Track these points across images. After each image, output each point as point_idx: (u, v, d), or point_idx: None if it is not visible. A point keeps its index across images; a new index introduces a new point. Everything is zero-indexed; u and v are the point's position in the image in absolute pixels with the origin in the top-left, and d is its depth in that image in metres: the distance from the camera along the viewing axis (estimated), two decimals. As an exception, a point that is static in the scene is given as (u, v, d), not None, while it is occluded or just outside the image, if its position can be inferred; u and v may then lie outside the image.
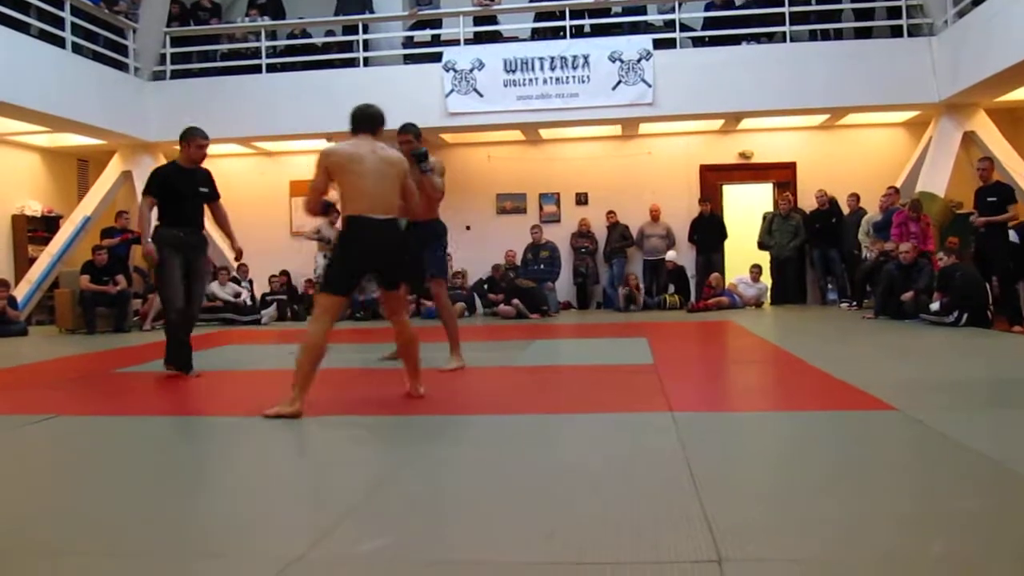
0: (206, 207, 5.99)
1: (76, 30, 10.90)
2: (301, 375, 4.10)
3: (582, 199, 13.19)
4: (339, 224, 4.33)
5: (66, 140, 12.40)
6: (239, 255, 6.27)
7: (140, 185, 12.33)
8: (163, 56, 12.45)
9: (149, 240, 5.70)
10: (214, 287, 11.74)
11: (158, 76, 12.45)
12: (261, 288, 12.69)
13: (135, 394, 5.44)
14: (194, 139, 5.89)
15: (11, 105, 9.76)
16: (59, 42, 10.58)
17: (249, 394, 5.22)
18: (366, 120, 4.53)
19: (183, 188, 5.76)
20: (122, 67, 11.86)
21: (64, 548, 2.35)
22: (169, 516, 2.61)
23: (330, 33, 13.10)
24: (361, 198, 4.23)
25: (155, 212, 5.80)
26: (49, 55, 10.35)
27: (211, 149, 15.24)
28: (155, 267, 5.82)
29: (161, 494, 2.89)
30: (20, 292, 11.30)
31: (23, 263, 11.99)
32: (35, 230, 12.44)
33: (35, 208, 12.58)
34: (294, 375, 4.09)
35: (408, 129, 5.84)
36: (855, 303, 10.70)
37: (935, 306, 8.35)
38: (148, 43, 12.29)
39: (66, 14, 10.65)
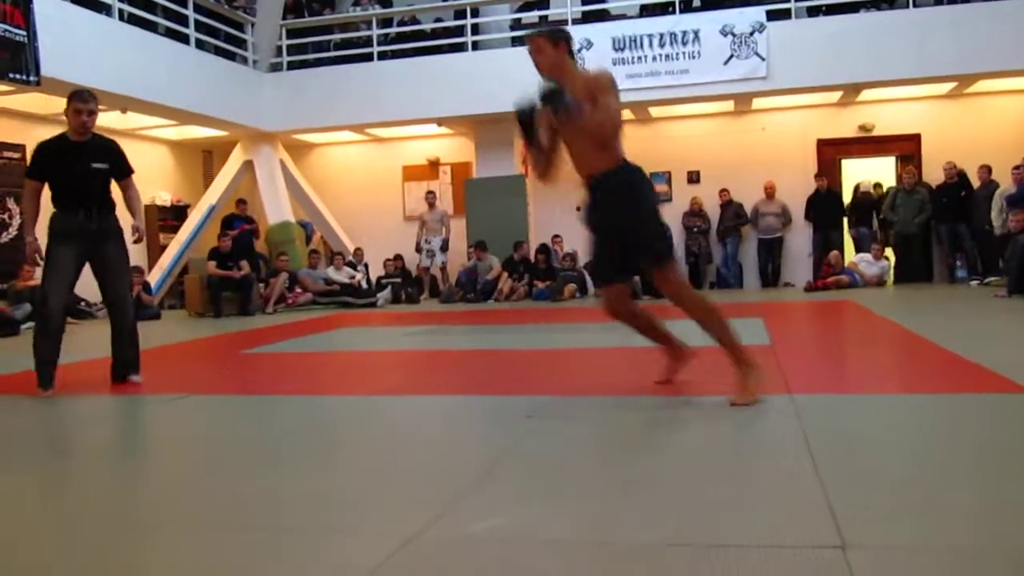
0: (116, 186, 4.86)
1: (199, 26, 11.43)
2: (730, 343, 3.72)
3: (694, 177, 12.97)
4: None
5: (192, 132, 13.02)
6: (138, 237, 4.93)
7: (261, 174, 12.87)
8: (279, 48, 12.89)
9: (33, 237, 4.71)
10: (330, 271, 12.11)
11: (275, 68, 12.89)
12: (376, 271, 13.02)
13: (262, 374, 5.66)
14: (71, 103, 4.64)
15: (142, 101, 10.31)
16: (183, 39, 11.13)
17: (367, 374, 5.37)
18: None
19: (73, 164, 4.65)
20: (241, 60, 12.34)
21: (197, 521, 2.47)
22: (296, 492, 2.70)
23: (439, 20, 13.26)
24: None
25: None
26: (175, 51, 10.90)
27: (325, 136, 15.50)
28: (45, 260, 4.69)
29: (289, 471, 3.00)
30: (153, 278, 11.94)
31: (155, 251, 12.67)
32: (165, 219, 13.14)
33: (165, 198, 13.26)
34: (731, 353, 3.72)
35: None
36: (985, 280, 10.17)
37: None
38: (265, 36, 12.76)
39: (189, 11, 11.18)
